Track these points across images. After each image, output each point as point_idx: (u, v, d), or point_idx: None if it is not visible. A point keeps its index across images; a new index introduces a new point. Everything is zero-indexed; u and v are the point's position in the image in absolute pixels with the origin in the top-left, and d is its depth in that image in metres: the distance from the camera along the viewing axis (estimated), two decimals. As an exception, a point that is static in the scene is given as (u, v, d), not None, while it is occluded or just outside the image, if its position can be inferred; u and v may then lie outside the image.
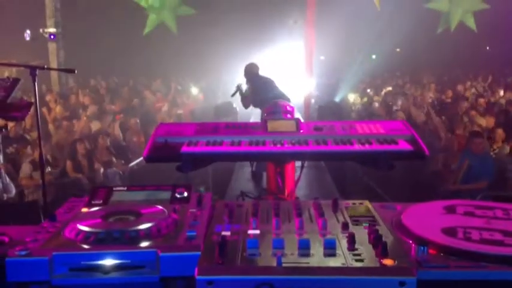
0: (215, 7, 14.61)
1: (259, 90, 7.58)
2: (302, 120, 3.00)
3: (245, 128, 2.96)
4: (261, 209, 1.70)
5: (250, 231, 1.50)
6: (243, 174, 7.36)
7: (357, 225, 1.57)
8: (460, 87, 12.56)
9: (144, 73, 15.12)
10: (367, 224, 1.55)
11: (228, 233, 1.48)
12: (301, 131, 2.83)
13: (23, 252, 1.33)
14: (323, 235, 1.48)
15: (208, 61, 14.57)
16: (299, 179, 3.29)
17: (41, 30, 13.19)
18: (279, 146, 2.69)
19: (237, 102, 12.52)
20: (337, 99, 12.67)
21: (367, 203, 1.79)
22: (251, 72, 7.97)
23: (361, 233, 1.48)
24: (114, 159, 7.16)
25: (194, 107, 12.18)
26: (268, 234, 1.48)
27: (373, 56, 17.85)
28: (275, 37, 11.48)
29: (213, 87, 13.94)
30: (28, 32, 12.98)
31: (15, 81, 3.95)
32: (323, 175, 7.37)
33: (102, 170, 6.85)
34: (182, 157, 2.64)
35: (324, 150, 2.64)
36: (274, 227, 1.54)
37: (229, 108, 11.85)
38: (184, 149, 2.65)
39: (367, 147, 2.61)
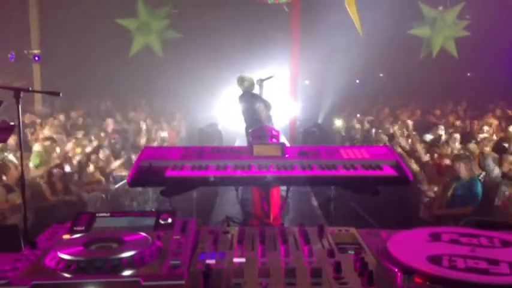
0: (201, 32, 14.75)
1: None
2: (287, 144, 3.01)
3: (231, 152, 2.95)
4: (247, 236, 1.69)
5: (235, 259, 1.48)
6: (228, 197, 7.32)
7: (342, 252, 1.56)
8: (438, 112, 12.77)
9: (128, 95, 15.07)
10: (353, 252, 1.55)
11: (212, 261, 1.46)
12: (287, 155, 2.83)
13: (2, 281, 1.29)
14: (309, 263, 1.46)
15: (194, 84, 14.61)
16: (285, 203, 3.29)
17: (25, 51, 13.14)
18: (264, 170, 2.68)
19: (221, 125, 12.55)
20: (319, 121, 12.82)
21: (353, 229, 1.79)
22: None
23: (347, 261, 1.48)
24: (103, 181, 7.11)
25: (178, 129, 12.14)
26: (253, 262, 1.46)
27: (357, 81, 18.13)
28: (261, 61, 11.61)
29: (197, 109, 13.95)
30: (12, 53, 12.91)
31: (-3, 103, 3.91)
32: (309, 199, 7.37)
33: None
34: (167, 181, 2.62)
35: (309, 175, 2.64)
36: (259, 255, 1.52)
37: (214, 130, 11.85)
38: (169, 173, 2.63)
39: (351, 172, 2.62)
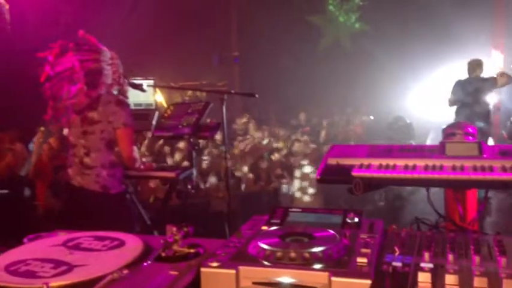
0: (391, 22, 14.26)
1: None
2: (491, 142, 2.78)
3: (421, 151, 2.86)
4: (436, 241, 1.65)
5: (422, 264, 1.47)
6: (418, 195, 7.01)
7: (546, 268, 1.42)
8: None
9: (314, 89, 15.26)
10: (560, 269, 1.39)
11: (399, 264, 1.48)
12: (485, 155, 2.62)
13: (215, 264, 1.54)
14: (505, 275, 1.37)
15: (382, 75, 14.24)
16: (483, 206, 3.04)
17: (227, 53, 14.63)
18: (458, 171, 2.54)
19: (410, 118, 11.97)
20: None
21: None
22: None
23: (553, 279, 1.34)
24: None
25: (366, 124, 12.07)
26: (441, 269, 1.44)
27: None
28: (459, 49, 10.73)
29: (384, 102, 13.61)
30: (216, 56, 14.51)
31: (206, 104, 4.53)
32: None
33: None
34: (353, 180, 2.68)
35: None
36: (448, 262, 1.49)
37: (402, 124, 11.45)
38: (355, 171, 2.68)
39: None
